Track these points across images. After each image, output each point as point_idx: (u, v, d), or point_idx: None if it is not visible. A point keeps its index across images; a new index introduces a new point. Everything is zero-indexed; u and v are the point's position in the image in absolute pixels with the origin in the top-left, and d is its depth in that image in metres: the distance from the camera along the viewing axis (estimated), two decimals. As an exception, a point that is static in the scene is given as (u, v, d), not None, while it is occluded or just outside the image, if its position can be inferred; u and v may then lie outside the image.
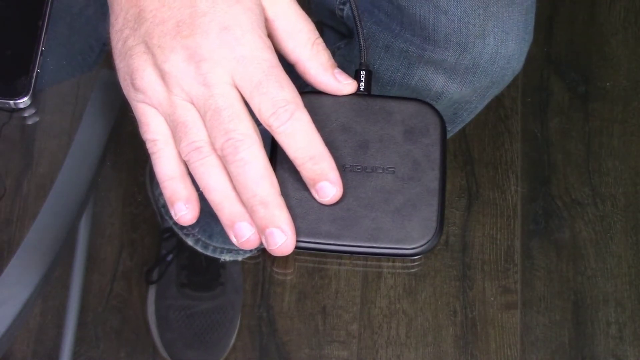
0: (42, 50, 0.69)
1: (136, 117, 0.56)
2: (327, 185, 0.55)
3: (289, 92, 0.53)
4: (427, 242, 0.60)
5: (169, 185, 0.55)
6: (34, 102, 0.67)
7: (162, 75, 0.53)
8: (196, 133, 0.53)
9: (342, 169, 0.58)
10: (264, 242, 0.55)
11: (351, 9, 0.58)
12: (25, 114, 0.68)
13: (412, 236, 0.59)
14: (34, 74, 0.69)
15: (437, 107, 0.61)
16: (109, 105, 0.92)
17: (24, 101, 0.70)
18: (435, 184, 0.60)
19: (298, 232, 0.57)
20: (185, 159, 0.54)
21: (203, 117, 0.53)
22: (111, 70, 0.98)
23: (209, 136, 0.53)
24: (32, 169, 0.96)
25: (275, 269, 0.95)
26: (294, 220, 0.57)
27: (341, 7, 0.81)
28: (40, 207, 0.85)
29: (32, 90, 0.69)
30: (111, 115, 0.92)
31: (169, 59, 0.53)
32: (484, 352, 0.99)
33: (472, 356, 0.99)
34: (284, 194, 0.56)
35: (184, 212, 0.55)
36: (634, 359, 0.97)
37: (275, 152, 0.58)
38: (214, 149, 0.53)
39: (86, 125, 0.88)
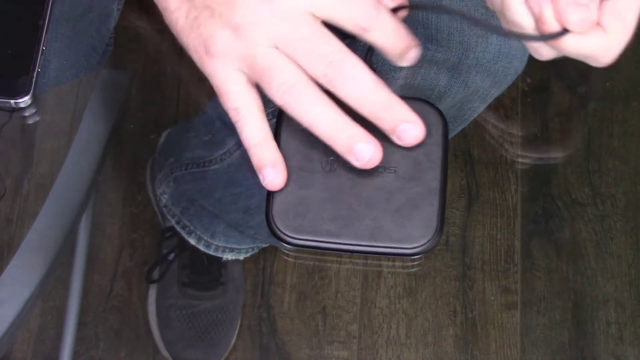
0: (42, 50, 0.69)
1: (215, 88, 0.55)
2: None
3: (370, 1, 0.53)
4: (428, 242, 0.60)
5: (255, 152, 0.54)
6: (34, 101, 0.67)
7: (236, 29, 0.52)
8: (285, 72, 0.52)
9: (343, 167, 0.59)
10: (398, 140, 0.53)
11: None
12: (26, 114, 0.68)
13: (413, 236, 0.59)
14: (34, 74, 0.69)
15: (440, 107, 0.61)
16: (109, 105, 0.92)
17: (24, 100, 0.70)
18: (436, 184, 0.60)
19: (298, 230, 0.57)
20: (281, 102, 0.52)
21: (291, 52, 0.52)
22: (111, 70, 0.99)
23: (304, 67, 0.52)
24: (32, 169, 0.96)
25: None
26: (294, 218, 0.57)
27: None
28: (40, 207, 0.85)
29: (33, 90, 0.69)
30: (111, 115, 0.92)
31: (238, 12, 0.52)
32: (484, 352, 0.99)
33: (472, 356, 0.99)
34: (286, 192, 0.56)
35: (272, 176, 0.54)
36: (634, 359, 0.97)
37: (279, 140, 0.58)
38: (309, 81, 0.52)
39: (86, 125, 0.88)
